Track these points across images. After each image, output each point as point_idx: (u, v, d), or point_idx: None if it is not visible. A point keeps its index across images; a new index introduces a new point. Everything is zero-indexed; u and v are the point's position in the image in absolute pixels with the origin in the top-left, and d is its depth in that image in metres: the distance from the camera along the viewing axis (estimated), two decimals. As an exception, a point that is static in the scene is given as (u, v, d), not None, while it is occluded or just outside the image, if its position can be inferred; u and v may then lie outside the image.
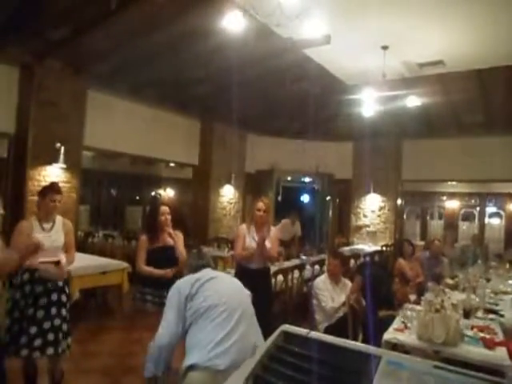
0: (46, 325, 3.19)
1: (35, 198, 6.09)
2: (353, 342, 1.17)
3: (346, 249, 8.79)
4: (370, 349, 1.14)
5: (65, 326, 3.34)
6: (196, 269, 2.70)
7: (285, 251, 7.42)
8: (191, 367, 2.24)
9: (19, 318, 3.18)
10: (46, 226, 3.38)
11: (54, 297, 3.28)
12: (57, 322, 3.25)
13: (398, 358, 1.04)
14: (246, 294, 2.63)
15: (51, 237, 3.33)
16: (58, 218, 3.49)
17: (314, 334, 1.19)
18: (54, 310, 3.25)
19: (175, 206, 3.98)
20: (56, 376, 3.40)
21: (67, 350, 3.38)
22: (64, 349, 3.32)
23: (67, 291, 3.45)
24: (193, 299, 2.41)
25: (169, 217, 3.73)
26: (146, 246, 3.71)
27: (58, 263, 3.21)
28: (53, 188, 3.47)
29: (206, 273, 2.63)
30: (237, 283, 2.71)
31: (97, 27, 5.37)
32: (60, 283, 3.33)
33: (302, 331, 1.21)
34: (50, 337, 3.19)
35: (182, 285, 2.52)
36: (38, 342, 3.14)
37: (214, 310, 2.35)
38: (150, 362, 2.41)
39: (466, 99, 8.00)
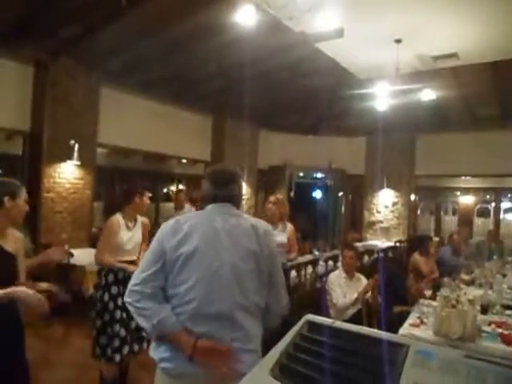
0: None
1: (50, 194, 6.23)
2: (379, 331, 1.16)
3: (359, 244, 8.70)
4: (397, 338, 1.13)
5: None
6: (206, 198, 1.88)
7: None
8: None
9: (109, 320, 3.23)
10: (130, 224, 3.50)
11: None
12: None
13: (427, 347, 1.03)
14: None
15: (134, 235, 3.48)
16: (139, 217, 3.64)
17: (340, 324, 1.18)
18: None
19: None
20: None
21: None
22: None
23: None
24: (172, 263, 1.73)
25: None
26: None
27: (134, 262, 3.38)
28: (143, 187, 3.67)
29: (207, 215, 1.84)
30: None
31: (109, 24, 5.41)
32: None
33: (327, 321, 1.21)
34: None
35: (165, 234, 1.77)
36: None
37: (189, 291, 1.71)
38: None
39: (481, 92, 7.90)
